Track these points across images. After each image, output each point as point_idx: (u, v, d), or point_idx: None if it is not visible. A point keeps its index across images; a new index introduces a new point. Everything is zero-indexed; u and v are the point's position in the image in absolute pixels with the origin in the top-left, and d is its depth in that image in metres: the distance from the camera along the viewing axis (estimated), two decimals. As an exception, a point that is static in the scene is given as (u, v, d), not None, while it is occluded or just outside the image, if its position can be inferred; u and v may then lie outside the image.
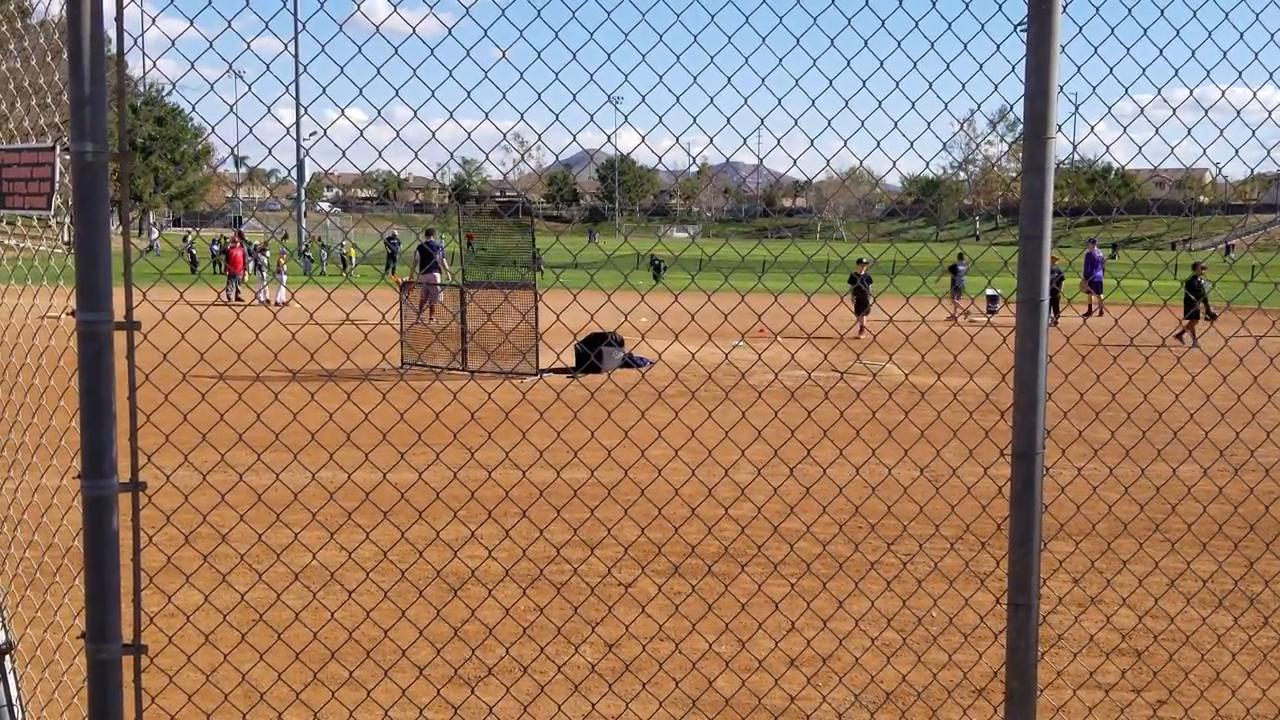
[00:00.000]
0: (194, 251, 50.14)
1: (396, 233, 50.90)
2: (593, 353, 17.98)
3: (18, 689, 4.03)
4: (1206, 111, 4.53)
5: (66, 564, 5.86)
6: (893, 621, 6.71)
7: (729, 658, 6.23)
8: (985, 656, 6.17)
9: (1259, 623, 7.12)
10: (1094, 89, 4.22)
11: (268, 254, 38.06)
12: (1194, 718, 5.68)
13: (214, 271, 37.23)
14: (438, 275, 22.67)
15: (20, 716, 4.02)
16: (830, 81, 4.05)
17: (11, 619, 4.10)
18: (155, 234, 68.73)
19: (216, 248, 39.11)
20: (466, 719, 5.48)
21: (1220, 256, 70.24)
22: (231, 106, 3.64)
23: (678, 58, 3.79)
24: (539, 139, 4.01)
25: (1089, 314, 30.48)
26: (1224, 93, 4.53)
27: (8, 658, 3.99)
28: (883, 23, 3.99)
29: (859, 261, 26.82)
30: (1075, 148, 4.95)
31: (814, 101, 3.99)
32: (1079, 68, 4.16)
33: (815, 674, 6.03)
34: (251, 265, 40.13)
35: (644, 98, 3.95)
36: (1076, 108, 4.70)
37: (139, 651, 3.30)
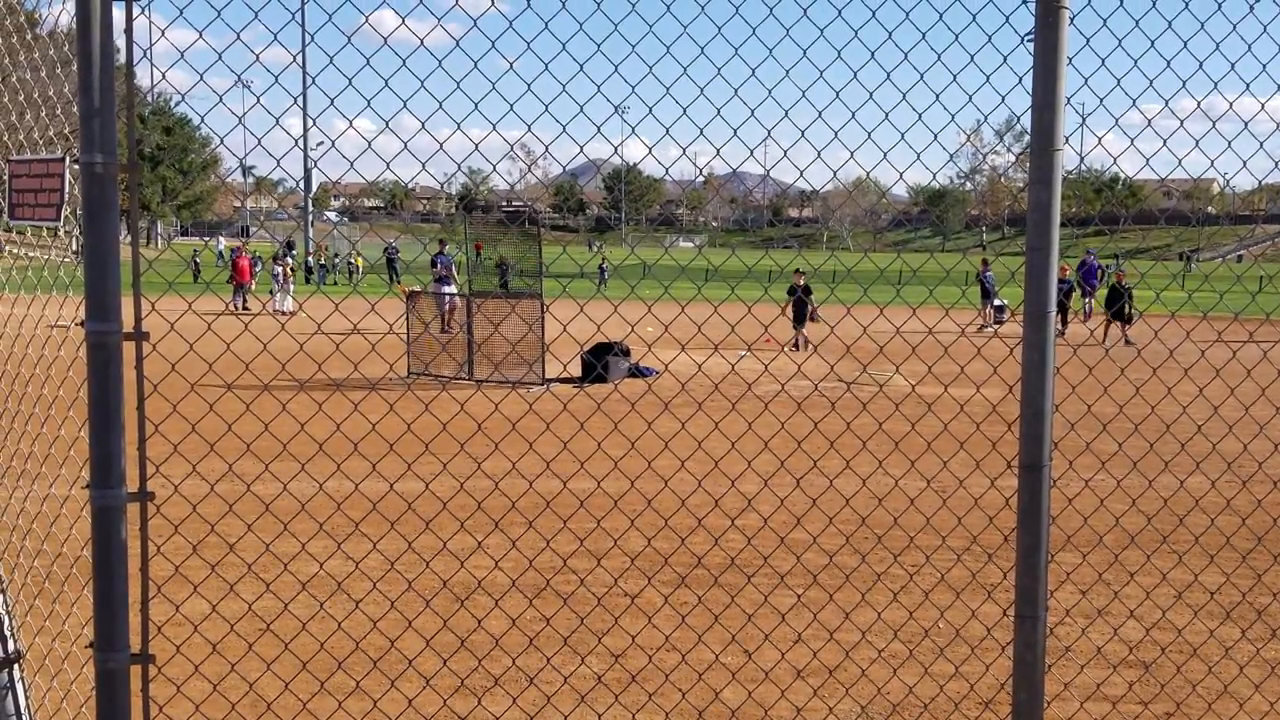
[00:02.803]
0: (199, 261, 49.97)
1: (394, 243, 50.90)
2: (599, 363, 17.99)
3: (26, 697, 4.04)
4: (1215, 123, 4.53)
5: (75, 573, 5.86)
6: (899, 633, 6.69)
7: (735, 668, 6.22)
8: (992, 668, 6.15)
9: (1267, 635, 7.09)
10: (1101, 100, 4.23)
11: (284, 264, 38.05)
12: (1202, 730, 5.66)
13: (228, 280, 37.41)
14: (446, 286, 22.78)
15: (28, 725, 4.03)
16: (837, 93, 4.06)
17: (20, 627, 4.11)
18: (220, 243, 57.91)
19: (237, 253, 38.94)
20: (472, 729, 5.47)
21: (1181, 267, 70.79)
22: (240, 118, 3.65)
23: (684, 69, 3.81)
24: (546, 150, 4.02)
25: (1088, 318, 30.73)
26: (1231, 104, 4.54)
27: (16, 666, 4.00)
28: (889, 34, 4.00)
29: (796, 272, 25.98)
30: (1083, 159, 4.95)
31: (820, 113, 4.00)
32: (1086, 79, 4.17)
33: (822, 685, 6.02)
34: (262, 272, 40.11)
35: (650, 109, 3.96)
36: (1084, 119, 4.70)
37: (147, 660, 3.31)
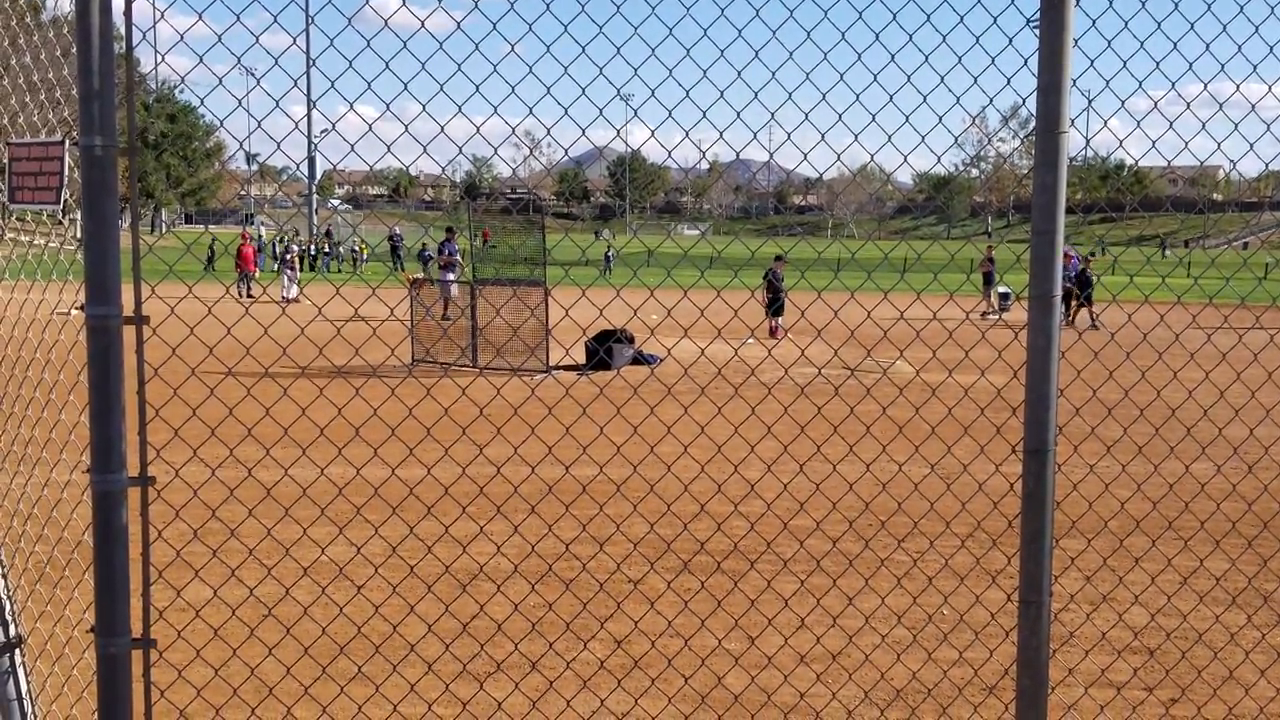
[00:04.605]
0: (213, 249, 49.68)
1: (399, 230, 50.56)
2: (602, 349, 17.97)
3: (28, 683, 4.04)
4: (1221, 106, 4.49)
5: (76, 558, 5.86)
6: (903, 619, 6.68)
7: (738, 654, 6.21)
8: (996, 654, 6.14)
9: (1273, 621, 7.08)
10: (1107, 83, 4.20)
11: (293, 251, 38.00)
12: (1207, 716, 5.65)
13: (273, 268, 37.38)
14: (449, 274, 22.86)
15: (30, 710, 4.02)
16: (841, 75, 4.03)
17: (21, 613, 4.11)
18: (261, 232, 44.35)
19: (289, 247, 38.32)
20: (475, 714, 5.47)
21: (1158, 253, 71.59)
22: (240, 101, 3.63)
23: (687, 51, 3.77)
24: (548, 133, 4.00)
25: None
26: (1238, 87, 4.50)
27: (18, 651, 3.99)
28: (894, 16, 3.97)
29: (777, 258, 24.82)
30: (1088, 142, 4.92)
31: (824, 95, 3.97)
32: (1092, 61, 4.13)
33: (825, 671, 6.01)
34: (275, 264, 40.09)
35: (653, 92, 3.93)
36: (1089, 102, 4.67)
37: (148, 645, 3.30)
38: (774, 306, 24.62)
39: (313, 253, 53.07)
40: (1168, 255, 70.10)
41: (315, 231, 58.06)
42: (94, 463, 3.17)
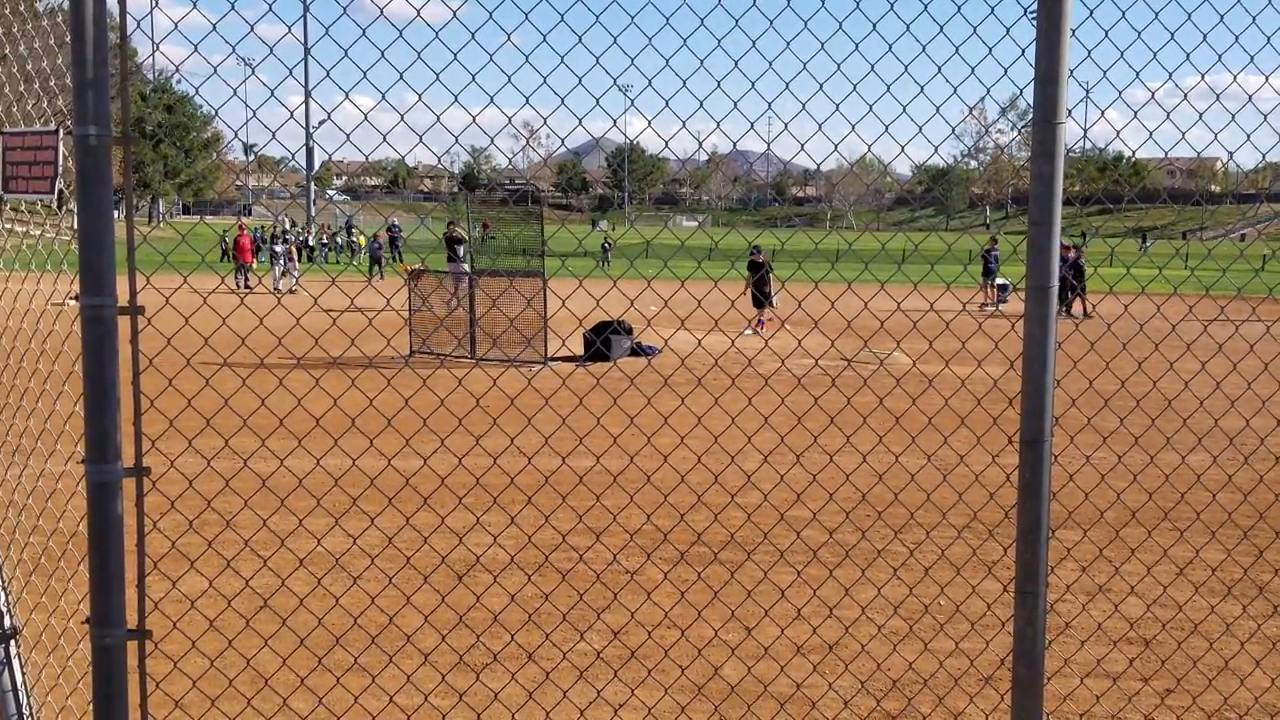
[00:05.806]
0: (227, 241, 49.49)
1: (397, 221, 50.27)
2: (600, 340, 17.97)
3: (23, 674, 4.03)
4: (1218, 96, 4.48)
5: (71, 549, 5.86)
6: (900, 609, 6.69)
7: (735, 645, 6.22)
8: (992, 644, 6.15)
9: (1268, 611, 7.09)
10: (1104, 73, 4.19)
11: (284, 243, 37.91)
12: (1202, 706, 5.66)
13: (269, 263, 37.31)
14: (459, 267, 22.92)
15: (26, 701, 4.02)
16: (838, 65, 4.02)
17: (17, 604, 4.10)
18: (286, 225, 41.83)
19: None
20: (472, 705, 5.47)
21: (1136, 245, 71.54)
22: (235, 90, 3.62)
23: (684, 41, 3.76)
24: (544, 123, 3.98)
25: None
26: (1235, 77, 4.49)
27: (13, 643, 3.99)
28: (891, 5, 3.96)
29: (754, 249, 23.72)
30: (1085, 133, 4.91)
31: (821, 86, 3.95)
32: (1089, 52, 4.13)
33: (821, 661, 6.01)
34: (267, 257, 40.08)
35: (650, 82, 3.92)
36: (1087, 92, 4.67)
37: (143, 637, 3.29)
38: (765, 298, 24.42)
39: (310, 244, 53.00)
40: (1148, 249, 69.99)
41: (312, 221, 58.00)
42: (89, 453, 3.16)
